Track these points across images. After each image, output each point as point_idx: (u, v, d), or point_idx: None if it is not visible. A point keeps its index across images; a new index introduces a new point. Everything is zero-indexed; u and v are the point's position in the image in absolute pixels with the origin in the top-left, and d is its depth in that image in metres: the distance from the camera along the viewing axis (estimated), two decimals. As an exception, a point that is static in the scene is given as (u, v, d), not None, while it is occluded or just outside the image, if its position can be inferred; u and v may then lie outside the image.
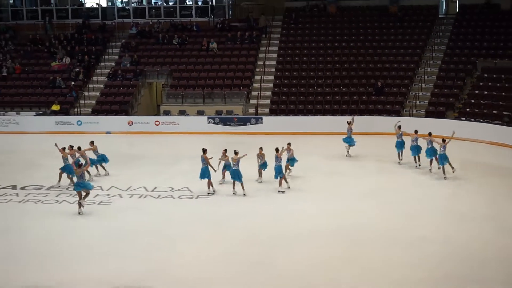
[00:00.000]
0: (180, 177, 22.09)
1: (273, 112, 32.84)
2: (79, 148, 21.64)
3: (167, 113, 33.47)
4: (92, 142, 22.57)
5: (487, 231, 16.27)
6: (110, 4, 41.88)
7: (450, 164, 21.29)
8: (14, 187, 21.27)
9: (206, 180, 20.06)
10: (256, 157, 21.22)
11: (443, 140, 21.19)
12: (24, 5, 42.01)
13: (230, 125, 31.79)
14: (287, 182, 20.52)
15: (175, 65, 36.27)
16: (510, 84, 30.61)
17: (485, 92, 30.85)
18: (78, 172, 18.43)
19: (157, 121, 32.46)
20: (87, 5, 42.35)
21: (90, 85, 36.00)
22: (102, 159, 22.71)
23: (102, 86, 35.80)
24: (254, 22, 38.11)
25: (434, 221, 17.16)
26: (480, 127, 28.20)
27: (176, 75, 35.69)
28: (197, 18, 40.15)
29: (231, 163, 19.87)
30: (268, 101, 33.53)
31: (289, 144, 21.42)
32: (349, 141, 25.09)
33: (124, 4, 42.02)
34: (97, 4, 41.84)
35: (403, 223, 17.11)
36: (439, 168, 21.63)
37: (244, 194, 19.81)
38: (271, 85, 34.59)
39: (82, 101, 34.74)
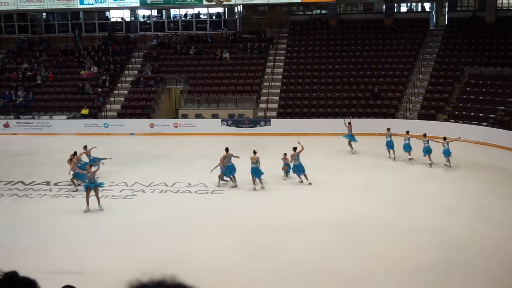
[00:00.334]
0: (197, 174, 22.11)
1: (280, 115, 32.82)
2: (75, 154, 21.14)
3: (184, 116, 33.51)
4: (85, 147, 22.32)
5: (477, 223, 16.16)
6: (133, 18, 42.01)
7: (449, 160, 22.04)
8: (48, 183, 21.39)
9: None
10: (281, 160, 21.17)
11: (444, 138, 21.89)
12: (56, 20, 42.18)
13: (241, 127, 31.78)
14: (307, 178, 20.37)
15: (192, 73, 36.31)
16: (495, 89, 30.51)
17: (472, 97, 30.72)
18: (91, 172, 18.15)
19: (175, 123, 32.49)
20: (113, 20, 42.42)
21: (116, 91, 36.14)
22: (93, 162, 21.67)
23: (126, 92, 35.91)
24: (263, 34, 38.15)
25: (426, 213, 17.08)
26: (468, 128, 28.06)
27: (192, 82, 35.74)
28: (212, 30, 40.17)
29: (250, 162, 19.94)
30: (275, 105, 33.50)
31: (285, 154, 21.06)
32: (352, 137, 25.19)
33: (146, 19, 42.12)
34: (122, 18, 41.98)
35: (398, 215, 17.05)
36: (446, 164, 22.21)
37: (262, 188, 19.87)
38: (278, 90, 34.57)
39: (108, 106, 34.90)
